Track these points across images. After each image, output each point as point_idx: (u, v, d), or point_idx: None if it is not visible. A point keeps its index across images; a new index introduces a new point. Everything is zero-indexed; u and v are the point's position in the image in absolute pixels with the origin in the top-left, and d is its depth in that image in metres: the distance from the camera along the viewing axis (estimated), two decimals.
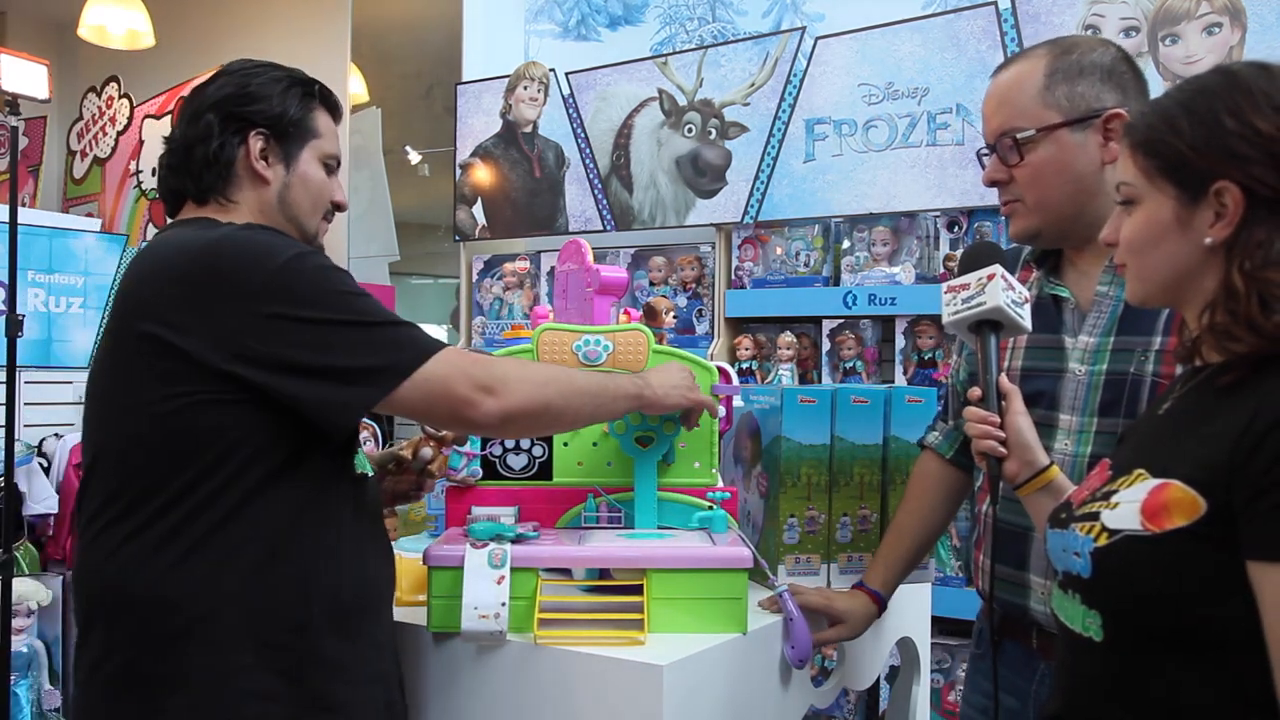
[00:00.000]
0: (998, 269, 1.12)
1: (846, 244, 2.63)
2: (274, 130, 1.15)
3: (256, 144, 1.14)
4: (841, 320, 2.61)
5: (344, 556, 1.07)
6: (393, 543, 1.22)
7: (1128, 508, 0.85)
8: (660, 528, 1.36)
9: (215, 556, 1.00)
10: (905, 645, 1.60)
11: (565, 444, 1.38)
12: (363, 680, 1.07)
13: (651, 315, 1.59)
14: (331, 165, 1.21)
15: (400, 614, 1.24)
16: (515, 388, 1.04)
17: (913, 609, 1.58)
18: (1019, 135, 1.19)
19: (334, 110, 1.22)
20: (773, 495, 1.48)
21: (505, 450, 1.34)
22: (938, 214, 2.47)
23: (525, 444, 1.35)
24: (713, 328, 2.82)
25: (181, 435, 0.99)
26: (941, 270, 2.48)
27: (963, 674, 2.28)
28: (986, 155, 1.25)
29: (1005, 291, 1.11)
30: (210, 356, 0.98)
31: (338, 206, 1.22)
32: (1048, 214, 1.21)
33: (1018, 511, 1.17)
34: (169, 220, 1.16)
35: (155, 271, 1.02)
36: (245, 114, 1.14)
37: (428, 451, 1.17)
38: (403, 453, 1.24)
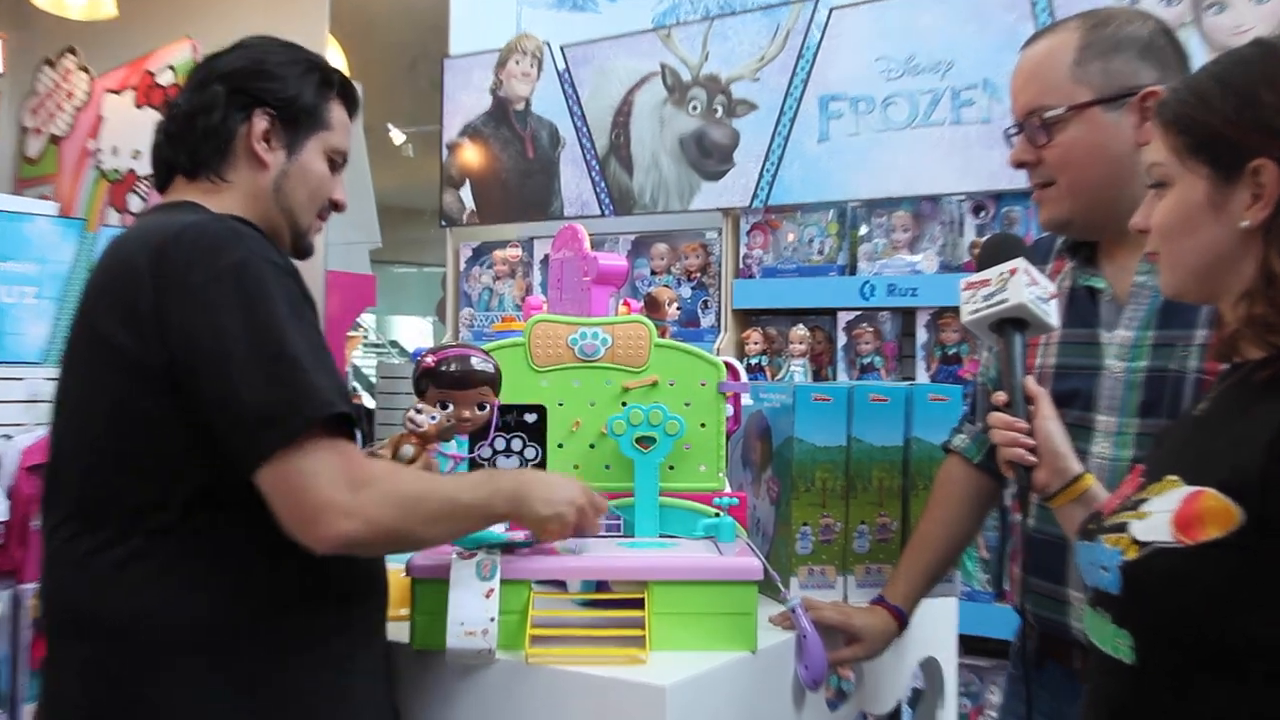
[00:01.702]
0: (1020, 263, 1.11)
1: (864, 230, 2.63)
2: (282, 113, 1.15)
3: (261, 123, 1.14)
4: (858, 312, 2.61)
5: (329, 576, 1.07)
6: None
7: (1159, 518, 0.84)
8: (662, 536, 1.35)
9: (183, 577, 1.00)
10: (929, 666, 1.60)
11: (560, 445, 1.38)
12: (354, 713, 1.07)
13: (653, 306, 1.59)
14: (337, 161, 1.20)
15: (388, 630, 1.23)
16: (374, 512, 0.98)
17: (937, 626, 1.58)
18: (1048, 114, 1.18)
19: (352, 105, 1.22)
20: (784, 501, 1.48)
21: (495, 453, 1.33)
22: (963, 198, 2.47)
23: (516, 446, 1.34)
24: (719, 320, 2.82)
25: (142, 445, 1.00)
26: (967, 259, 2.47)
27: (991, 697, 2.28)
28: (1014, 135, 1.24)
29: (1029, 287, 1.10)
30: (157, 359, 0.98)
31: (335, 206, 1.22)
32: (1079, 200, 1.20)
33: (1054, 520, 1.16)
34: (158, 194, 1.16)
35: (117, 266, 1.02)
36: (255, 90, 1.14)
37: (409, 450, 1.16)
38: (381, 452, 1.24)
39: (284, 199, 1.16)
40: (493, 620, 1.14)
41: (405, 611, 1.27)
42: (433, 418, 1.20)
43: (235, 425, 0.96)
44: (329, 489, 0.96)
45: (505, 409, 1.31)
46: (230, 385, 0.96)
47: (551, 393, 1.39)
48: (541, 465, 1.37)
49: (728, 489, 1.42)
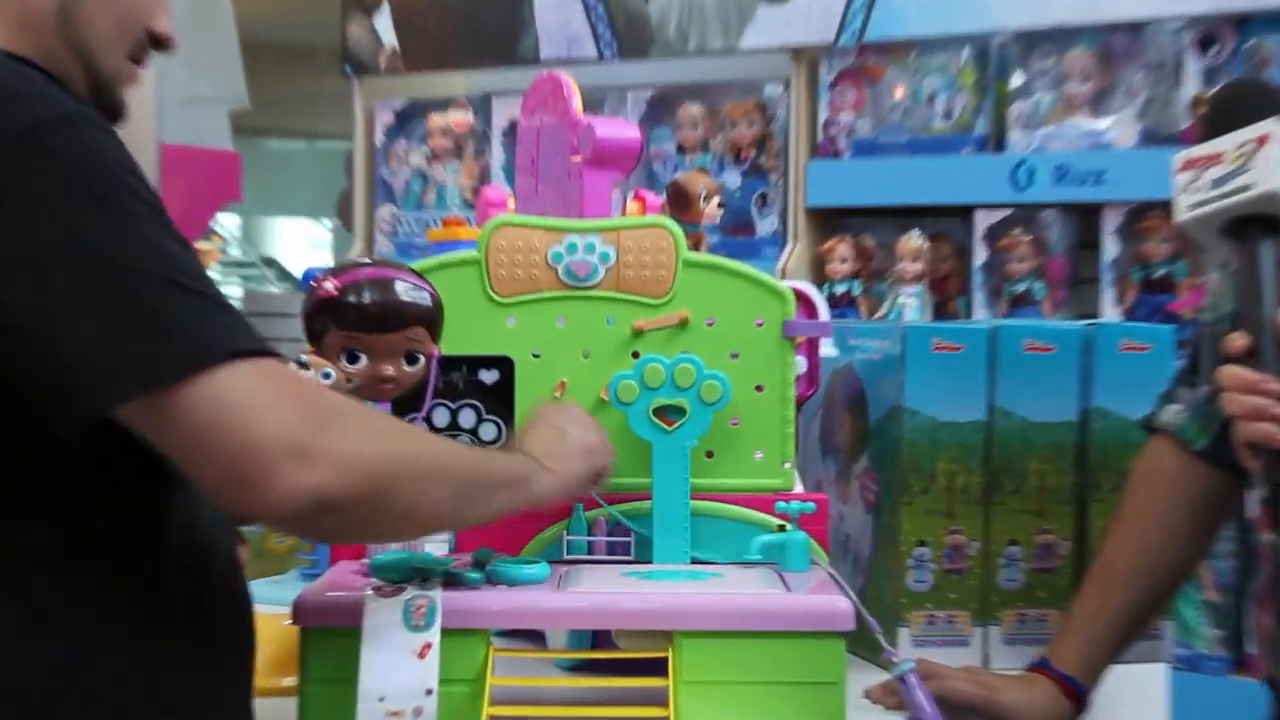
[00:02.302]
0: (1274, 128, 1.12)
1: (1018, 80, 2.61)
2: None
3: None
4: (1008, 211, 2.60)
5: (159, 608, 1.09)
6: None
7: None
8: (695, 563, 1.36)
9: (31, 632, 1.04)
10: None
11: None
12: None
13: (682, 202, 1.58)
14: None
15: (257, 709, 1.25)
16: (350, 451, 1.01)
17: (1135, 709, 1.59)
18: None
19: None
20: (888, 509, 1.49)
21: (435, 430, 1.34)
22: (1180, 24, 2.44)
23: (467, 421, 1.36)
24: (786, 224, 2.82)
25: None
26: (1186, 123, 2.45)
27: None
28: None
29: None
30: None
31: (159, 42, 1.21)
32: None
33: None
34: None
35: None
36: None
37: None
38: None
39: (75, 30, 1.15)
40: (429, 694, 1.14)
41: (289, 681, 1.27)
42: (325, 375, 1.20)
43: (88, 355, 0.98)
44: (276, 425, 0.98)
45: (450, 363, 1.31)
46: (74, 314, 0.97)
47: (522, 337, 1.39)
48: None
49: (798, 488, 1.42)
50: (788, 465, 1.41)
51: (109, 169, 1.02)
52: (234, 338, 1.01)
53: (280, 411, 0.99)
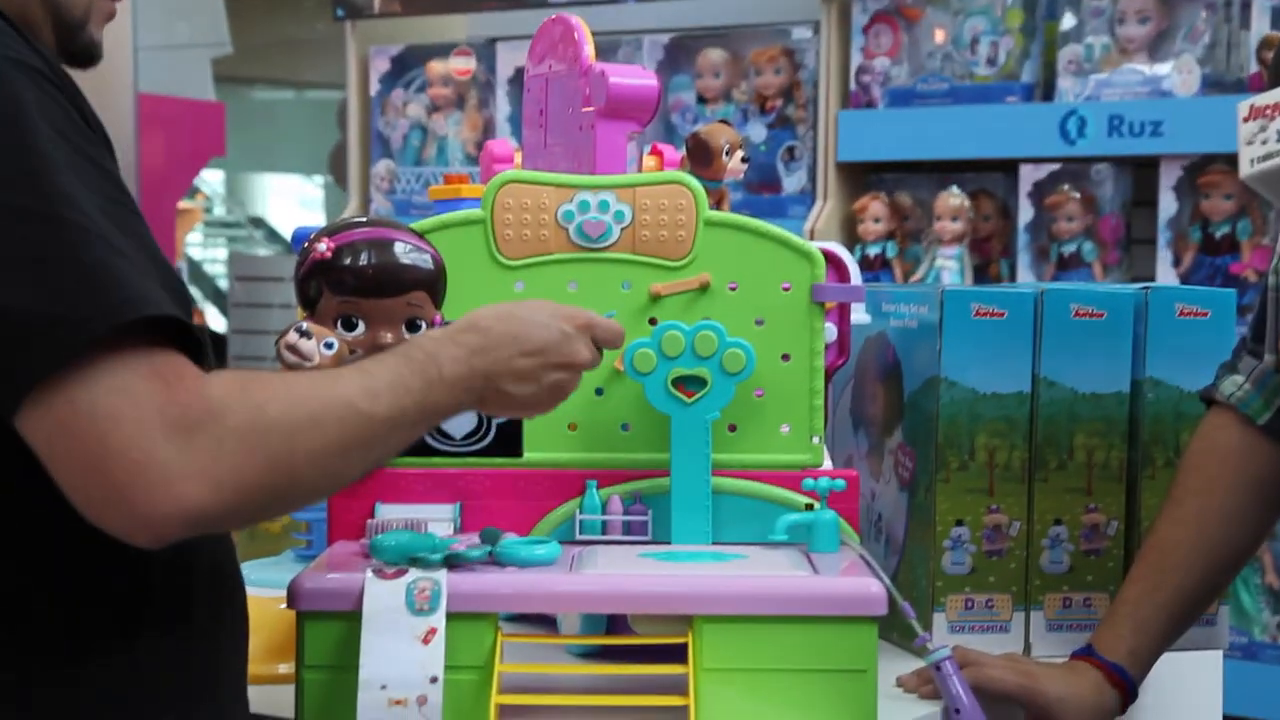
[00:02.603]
0: None
1: (1069, 22, 2.59)
2: None
3: None
4: (1057, 166, 2.59)
5: (159, 624, 1.10)
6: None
7: None
8: (717, 544, 1.37)
9: None
10: None
11: None
12: None
13: (702, 156, 1.58)
14: None
15: (251, 697, 1.27)
16: (225, 468, 0.98)
17: (1189, 700, 1.59)
18: None
19: None
20: (924, 485, 1.50)
21: None
22: None
23: None
24: (815, 181, 2.82)
25: None
26: (1252, 68, 2.44)
27: None
28: None
29: None
30: None
31: None
32: None
33: None
34: None
35: None
36: None
37: None
38: None
39: None
40: (434, 682, 1.16)
41: (285, 668, 1.30)
42: (329, 345, 1.20)
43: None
44: (142, 437, 0.96)
45: None
46: None
47: None
48: (515, 426, 1.39)
49: (828, 464, 1.43)
50: (816, 440, 1.42)
51: (28, 120, 1.00)
52: (116, 308, 0.97)
53: (144, 422, 0.95)
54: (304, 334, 1.21)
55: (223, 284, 7.45)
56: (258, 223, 9.05)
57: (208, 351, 1.07)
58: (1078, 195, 2.58)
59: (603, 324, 1.24)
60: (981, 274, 2.67)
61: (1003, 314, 1.46)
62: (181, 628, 1.13)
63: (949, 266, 2.62)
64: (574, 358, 1.21)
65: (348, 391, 1.07)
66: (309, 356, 1.20)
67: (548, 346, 1.19)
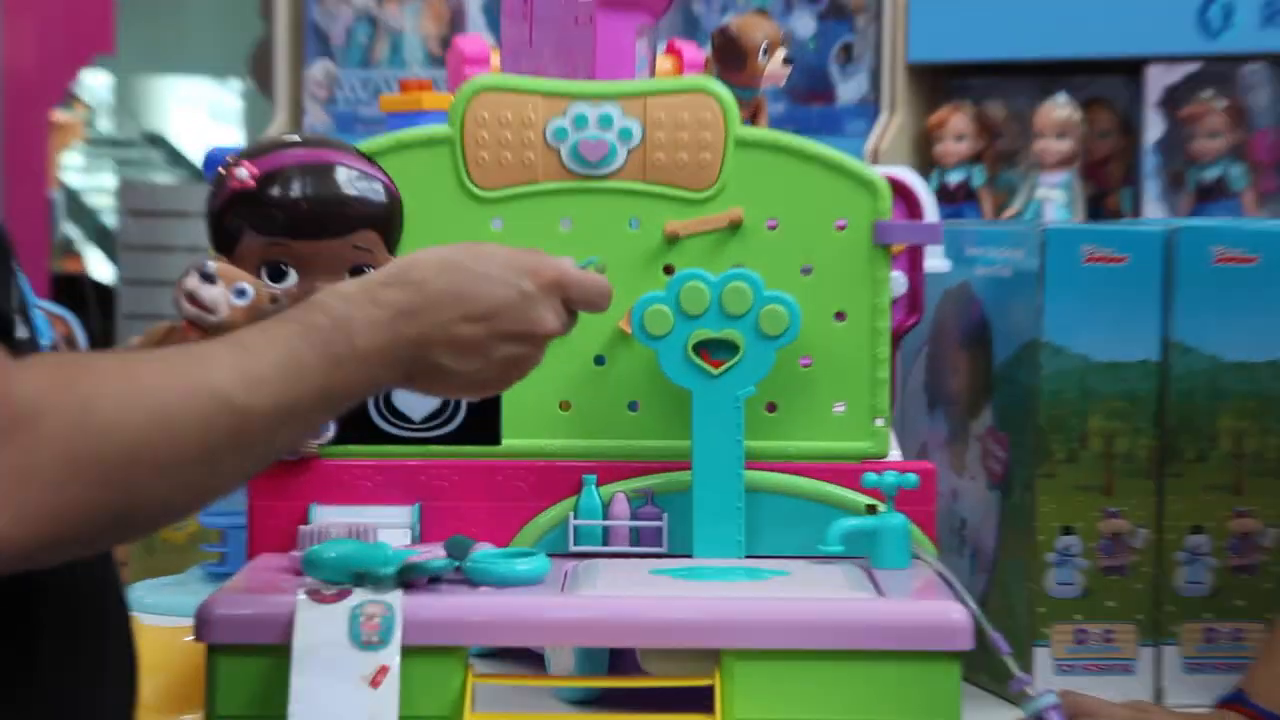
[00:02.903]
0: None
1: None
2: None
3: None
4: (1196, 66, 2.59)
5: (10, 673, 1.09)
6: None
7: None
8: (751, 557, 1.38)
9: None
10: None
11: None
12: None
13: (734, 57, 1.58)
14: None
15: None
16: (31, 494, 0.96)
17: None
18: None
19: None
20: (1021, 482, 1.50)
21: None
22: None
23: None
24: (879, 88, 2.82)
25: None
26: None
27: None
28: None
29: None
30: None
31: None
32: None
33: None
34: None
35: None
36: None
37: None
38: None
39: None
40: None
41: (192, 718, 1.30)
42: (240, 292, 1.21)
43: None
44: None
45: None
46: None
47: (512, 246, 1.38)
48: (491, 405, 1.40)
49: (895, 455, 1.44)
50: (880, 423, 1.42)
51: None
52: None
53: None
54: (207, 277, 1.21)
55: (110, 220, 7.42)
56: (156, 141, 9.03)
57: (14, 330, 1.05)
58: (1222, 105, 2.57)
59: (578, 280, 1.20)
60: (1096, 207, 2.66)
61: (1123, 259, 1.46)
62: (22, 675, 1.11)
63: (1053, 198, 2.61)
64: (535, 325, 1.17)
65: (217, 378, 1.03)
66: (213, 308, 1.20)
67: (501, 309, 1.15)
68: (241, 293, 1.21)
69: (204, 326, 1.19)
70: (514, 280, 1.16)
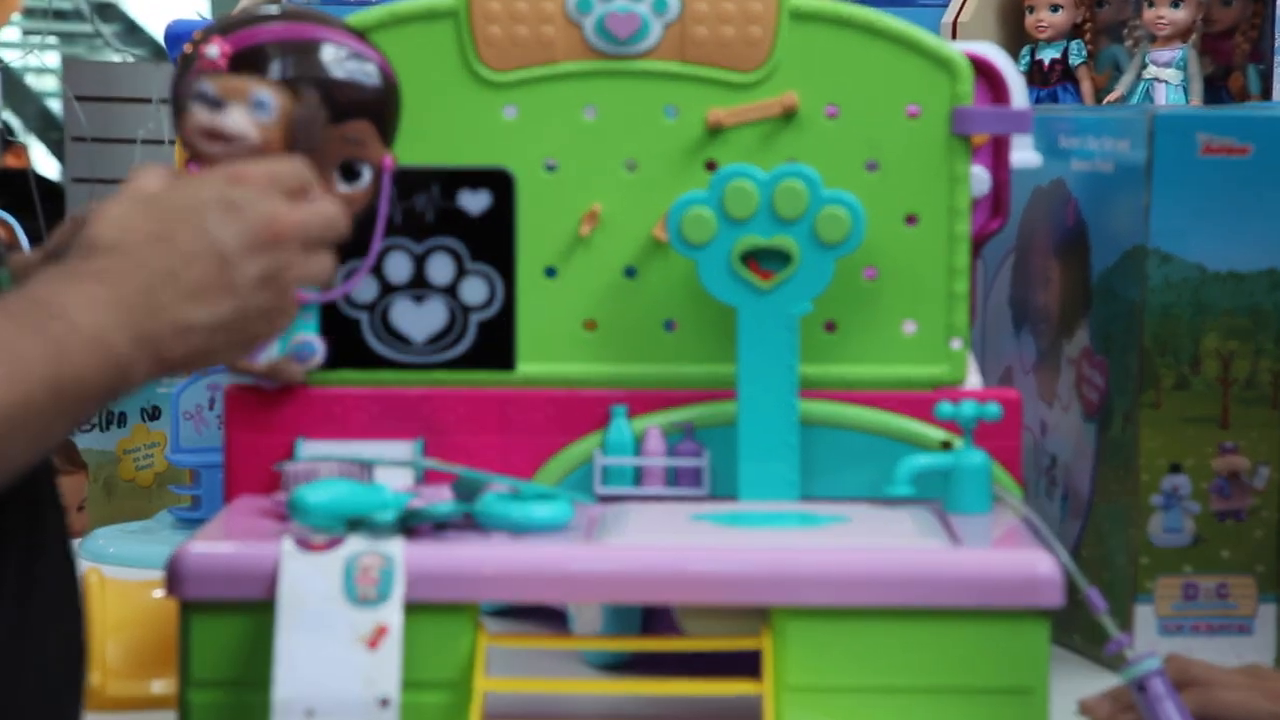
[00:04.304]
0: None
1: None
2: None
3: None
4: None
5: None
6: (77, 543, 1.24)
7: None
8: (806, 500, 1.38)
9: None
10: None
11: (550, 272, 1.41)
12: None
13: None
14: None
15: None
16: None
17: None
18: None
19: None
20: (1122, 414, 1.51)
21: (389, 290, 1.35)
22: None
23: (439, 271, 1.38)
24: None
25: None
26: None
27: None
28: None
29: None
30: None
31: None
32: None
33: None
34: None
35: None
36: None
37: None
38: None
39: None
40: (386, 706, 1.17)
41: (160, 687, 1.32)
42: (260, 104, 1.20)
43: None
44: None
45: (413, 179, 1.34)
46: None
47: (528, 139, 1.41)
48: (504, 322, 1.39)
49: (975, 381, 1.44)
50: (957, 344, 1.42)
51: None
52: None
53: None
54: (213, 102, 1.19)
55: (55, 106, 7.42)
56: (107, 11, 9.02)
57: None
58: None
59: (288, 167, 1.16)
60: (1216, 88, 2.63)
61: (1245, 150, 1.45)
62: None
63: (1166, 78, 2.59)
64: (268, 222, 1.11)
65: None
66: (242, 134, 1.19)
67: (220, 228, 1.09)
68: (260, 104, 1.19)
69: (239, 160, 1.17)
70: (216, 195, 1.11)
